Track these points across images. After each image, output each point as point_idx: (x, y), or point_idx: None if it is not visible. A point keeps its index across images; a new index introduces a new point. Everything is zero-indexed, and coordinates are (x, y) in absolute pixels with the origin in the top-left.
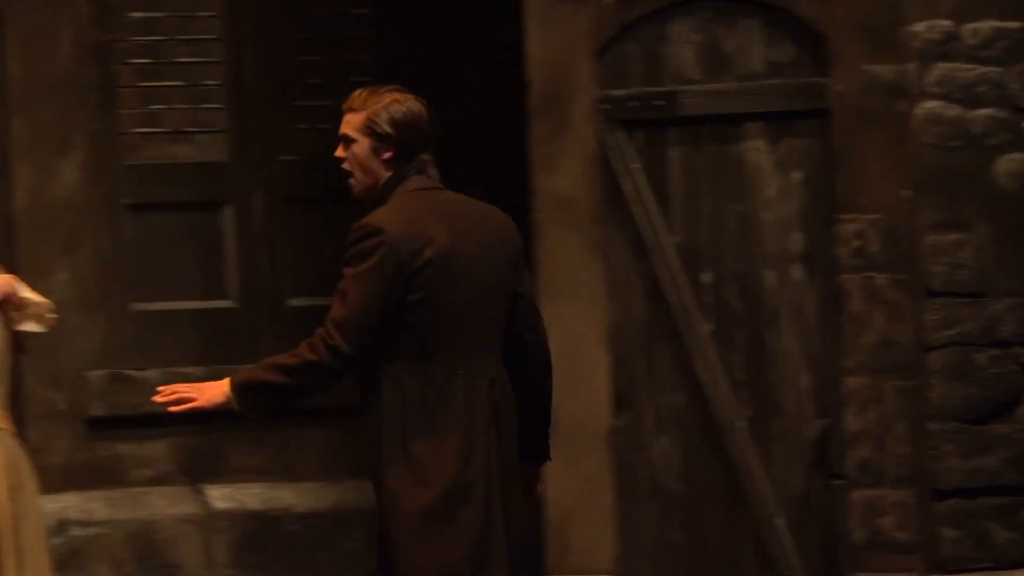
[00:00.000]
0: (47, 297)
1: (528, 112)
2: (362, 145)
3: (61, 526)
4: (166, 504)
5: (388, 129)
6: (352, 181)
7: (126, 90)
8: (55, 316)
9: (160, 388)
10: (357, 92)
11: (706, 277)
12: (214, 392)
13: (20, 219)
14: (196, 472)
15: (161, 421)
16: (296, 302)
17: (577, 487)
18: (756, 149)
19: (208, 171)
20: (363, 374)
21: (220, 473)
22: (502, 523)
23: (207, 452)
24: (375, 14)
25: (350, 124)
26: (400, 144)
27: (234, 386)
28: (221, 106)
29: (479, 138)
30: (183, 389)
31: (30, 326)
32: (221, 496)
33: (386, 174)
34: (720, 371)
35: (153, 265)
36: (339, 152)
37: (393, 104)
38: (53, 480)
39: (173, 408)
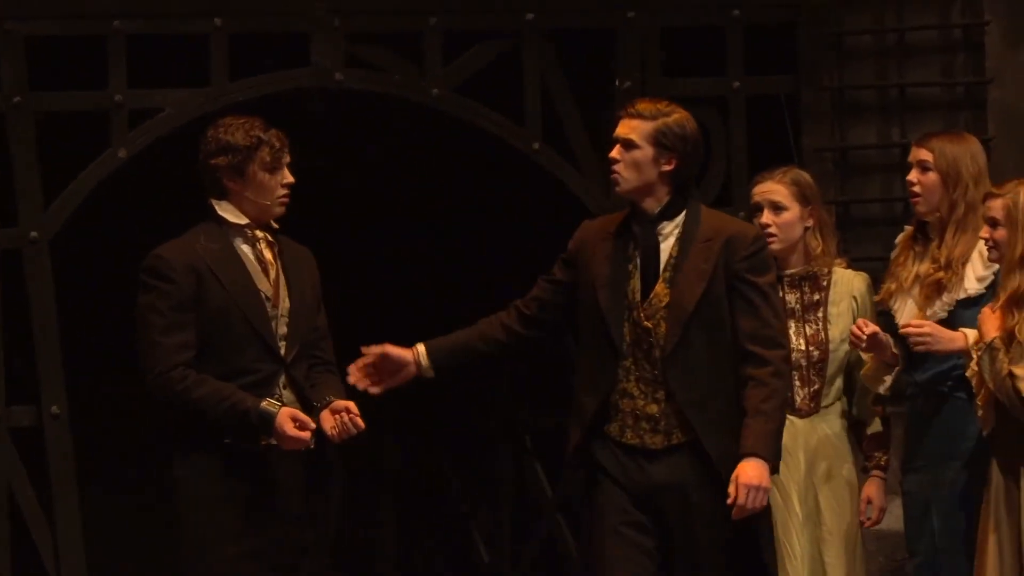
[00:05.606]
0: None
1: None
2: (645, 152)
3: None
4: None
5: (677, 144)
6: (620, 180)
7: None
8: None
9: None
10: (645, 101)
11: None
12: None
13: None
14: None
15: None
16: None
17: None
18: None
19: None
20: None
21: None
22: None
23: None
24: None
25: (636, 131)
26: (683, 159)
27: None
28: None
29: None
30: None
31: None
32: None
33: (661, 184)
34: None
35: None
36: (614, 153)
37: (682, 121)
38: None
39: None
